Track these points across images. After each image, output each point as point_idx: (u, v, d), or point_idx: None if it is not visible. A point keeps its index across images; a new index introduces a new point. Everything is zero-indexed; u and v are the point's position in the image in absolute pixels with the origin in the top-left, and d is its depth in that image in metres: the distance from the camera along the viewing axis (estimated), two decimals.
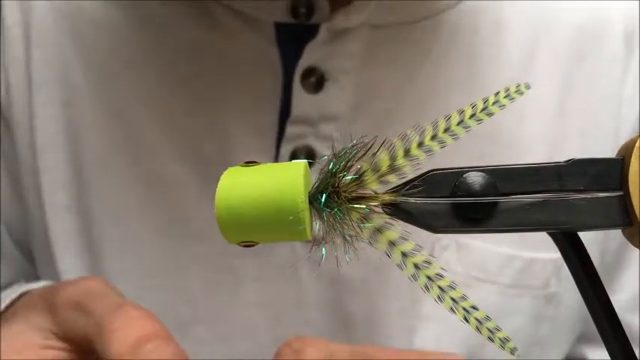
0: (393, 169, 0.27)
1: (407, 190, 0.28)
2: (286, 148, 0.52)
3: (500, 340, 0.27)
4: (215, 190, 0.44)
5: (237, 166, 0.27)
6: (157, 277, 0.54)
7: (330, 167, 0.27)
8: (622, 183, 0.27)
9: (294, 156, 0.52)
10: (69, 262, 0.54)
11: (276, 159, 0.53)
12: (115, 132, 0.54)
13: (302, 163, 0.27)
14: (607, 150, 0.54)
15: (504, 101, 0.29)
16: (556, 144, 0.54)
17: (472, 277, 0.53)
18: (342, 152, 0.27)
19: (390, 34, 0.53)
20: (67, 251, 0.54)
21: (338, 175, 0.27)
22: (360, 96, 0.53)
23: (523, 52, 0.55)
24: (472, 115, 0.29)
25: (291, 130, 0.52)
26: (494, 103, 0.29)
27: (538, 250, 0.54)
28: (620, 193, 0.27)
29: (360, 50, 0.52)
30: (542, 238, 0.57)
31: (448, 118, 0.28)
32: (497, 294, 0.53)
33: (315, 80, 0.52)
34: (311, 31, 0.52)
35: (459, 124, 0.28)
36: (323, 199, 0.27)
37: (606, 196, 0.27)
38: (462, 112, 0.29)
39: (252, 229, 0.26)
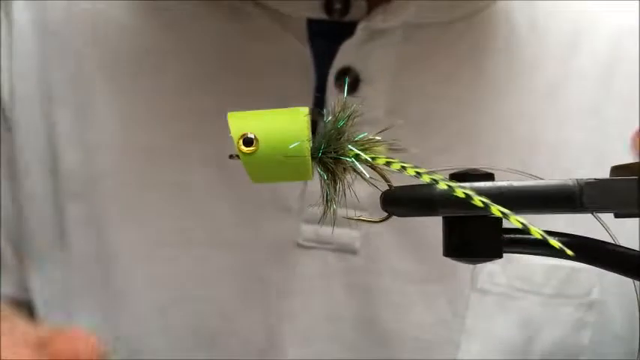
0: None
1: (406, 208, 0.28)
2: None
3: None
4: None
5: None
6: (187, 288, 0.51)
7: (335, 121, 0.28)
8: None
9: None
10: (88, 274, 0.51)
11: None
12: (134, 136, 0.51)
13: (305, 109, 0.28)
14: None
15: None
16: (600, 150, 0.52)
17: (516, 289, 0.50)
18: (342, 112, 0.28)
19: (425, 35, 0.51)
20: (84, 263, 0.51)
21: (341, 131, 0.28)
22: (396, 98, 0.50)
23: (562, 53, 0.53)
24: None
25: None
26: None
27: None
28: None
29: (397, 50, 0.50)
30: None
31: None
32: (540, 305, 0.51)
33: (351, 81, 0.49)
34: (345, 30, 0.49)
35: None
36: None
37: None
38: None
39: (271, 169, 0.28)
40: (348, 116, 0.28)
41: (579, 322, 0.52)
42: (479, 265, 0.50)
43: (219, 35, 0.51)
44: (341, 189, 0.28)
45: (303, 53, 0.50)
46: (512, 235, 0.28)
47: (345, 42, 0.49)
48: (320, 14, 0.49)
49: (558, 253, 0.27)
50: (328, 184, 0.28)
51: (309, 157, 0.28)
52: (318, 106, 0.50)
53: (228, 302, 0.51)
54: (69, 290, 0.52)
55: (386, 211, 0.28)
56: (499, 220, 0.27)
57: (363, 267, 0.51)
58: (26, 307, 0.56)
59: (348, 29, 0.49)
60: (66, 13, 0.52)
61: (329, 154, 0.28)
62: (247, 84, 0.50)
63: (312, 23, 0.50)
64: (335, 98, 0.29)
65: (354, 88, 0.49)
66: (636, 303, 0.53)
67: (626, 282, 0.53)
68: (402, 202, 0.28)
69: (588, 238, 0.28)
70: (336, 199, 0.28)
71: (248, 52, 0.50)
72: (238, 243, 0.50)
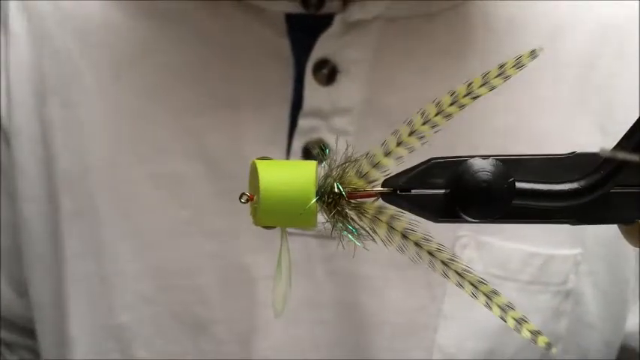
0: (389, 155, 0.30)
1: (407, 178, 0.29)
2: (298, 142, 0.51)
3: (531, 332, 0.30)
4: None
5: (262, 160, 0.31)
6: (172, 278, 0.53)
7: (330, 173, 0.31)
8: None
9: (306, 150, 0.51)
10: (80, 267, 0.54)
11: (288, 153, 0.51)
12: (123, 131, 0.53)
13: (314, 163, 0.31)
14: None
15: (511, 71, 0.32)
16: (575, 141, 0.52)
17: (492, 275, 0.51)
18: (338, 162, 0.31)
19: (404, 28, 0.52)
20: (76, 256, 0.54)
21: (337, 177, 0.31)
22: (374, 89, 0.51)
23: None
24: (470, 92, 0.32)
25: (303, 123, 0.51)
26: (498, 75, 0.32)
27: (558, 246, 0.52)
28: None
29: (374, 43, 0.51)
30: (563, 233, 0.54)
31: (438, 103, 0.32)
32: (517, 291, 0.51)
33: (328, 72, 0.51)
34: (323, 23, 0.50)
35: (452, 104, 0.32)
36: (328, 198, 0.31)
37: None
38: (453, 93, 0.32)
39: (278, 216, 0.31)
40: (339, 174, 0.31)
41: (557, 311, 0.53)
42: (456, 252, 0.51)
43: (201, 31, 0.53)
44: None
45: (282, 46, 0.51)
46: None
47: (322, 34, 0.50)
48: (297, 9, 0.50)
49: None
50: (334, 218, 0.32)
51: (316, 212, 0.31)
52: (296, 100, 0.51)
53: (212, 290, 0.52)
54: (61, 282, 0.54)
55: None
56: None
57: (343, 253, 0.52)
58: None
59: (327, 22, 0.50)
60: (58, 16, 0.54)
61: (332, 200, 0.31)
62: (227, 78, 0.52)
63: (290, 17, 0.51)
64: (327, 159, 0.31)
65: (331, 79, 0.51)
66: (609, 295, 0.53)
67: (600, 271, 0.53)
68: None
69: None
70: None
71: (227, 46, 0.52)
72: (221, 231, 0.52)
